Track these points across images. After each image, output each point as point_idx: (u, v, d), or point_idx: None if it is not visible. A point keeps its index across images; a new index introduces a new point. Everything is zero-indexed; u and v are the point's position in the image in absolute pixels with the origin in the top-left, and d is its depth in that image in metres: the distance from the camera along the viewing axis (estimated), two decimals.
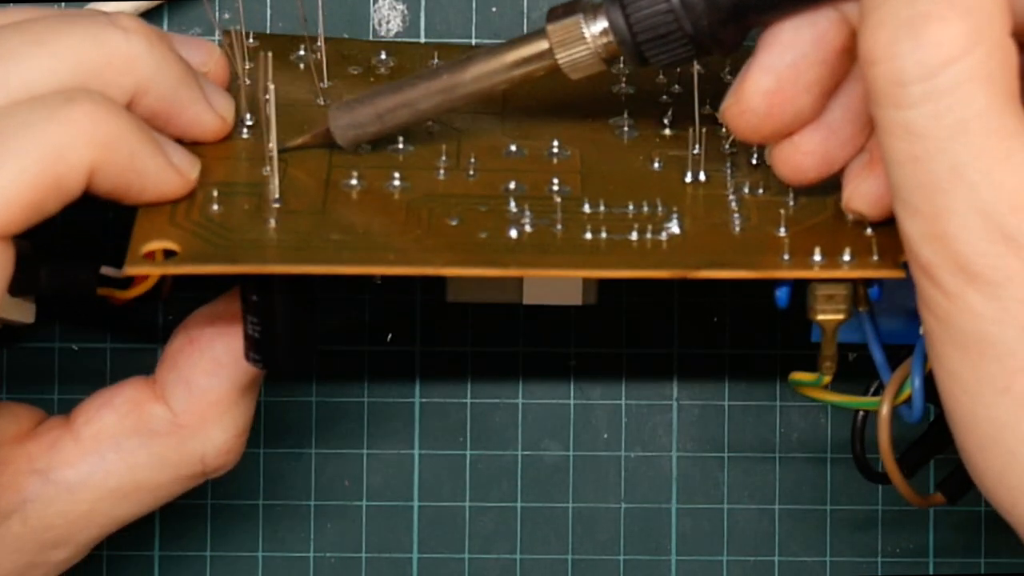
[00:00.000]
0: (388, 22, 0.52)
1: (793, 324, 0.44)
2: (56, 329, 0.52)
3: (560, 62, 0.42)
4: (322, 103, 0.47)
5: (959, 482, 0.47)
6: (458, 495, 0.53)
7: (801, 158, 0.42)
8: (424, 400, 0.52)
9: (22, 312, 0.49)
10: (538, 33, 0.43)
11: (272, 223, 0.42)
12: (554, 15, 0.42)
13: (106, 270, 0.48)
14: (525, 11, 0.51)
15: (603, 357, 0.52)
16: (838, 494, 0.53)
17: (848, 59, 0.41)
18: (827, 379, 0.44)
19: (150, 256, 0.41)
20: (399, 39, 0.51)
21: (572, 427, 0.52)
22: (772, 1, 0.40)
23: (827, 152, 0.42)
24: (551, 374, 0.52)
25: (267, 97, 0.43)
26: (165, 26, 0.51)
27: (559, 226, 0.43)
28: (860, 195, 0.42)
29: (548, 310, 0.50)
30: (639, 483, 0.53)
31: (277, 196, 0.43)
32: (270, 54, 0.45)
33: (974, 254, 0.36)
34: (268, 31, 0.51)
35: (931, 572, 0.53)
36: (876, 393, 0.45)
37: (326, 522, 0.52)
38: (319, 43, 0.48)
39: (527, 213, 0.43)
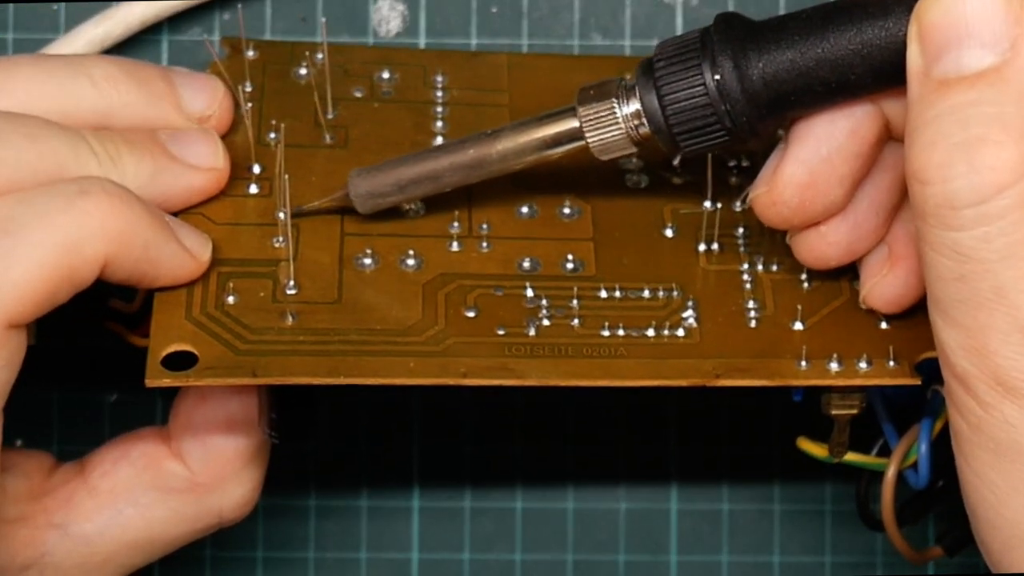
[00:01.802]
0: (388, 22, 0.51)
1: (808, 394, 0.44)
2: (55, 330, 0.52)
3: (590, 143, 0.42)
4: (328, 141, 0.47)
5: (957, 538, 0.47)
6: (458, 495, 0.53)
7: (826, 247, 0.42)
8: (424, 400, 0.52)
9: None
10: (568, 112, 0.42)
11: (289, 319, 0.42)
12: (585, 95, 0.42)
13: (115, 304, 0.48)
14: (525, 11, 0.51)
15: None
16: (838, 494, 0.53)
17: (879, 150, 0.41)
18: (836, 460, 0.44)
19: (169, 360, 0.41)
20: (399, 40, 0.51)
21: (572, 427, 0.52)
22: (811, 97, 0.39)
23: (851, 243, 0.42)
24: None
25: (281, 172, 0.43)
26: (165, 28, 0.51)
27: (576, 320, 0.42)
28: (878, 295, 0.42)
29: None
30: (639, 484, 0.53)
31: (292, 282, 0.43)
32: (283, 127, 0.45)
33: (1013, 370, 0.36)
34: (268, 31, 0.51)
35: (931, 572, 0.53)
36: (881, 452, 0.45)
37: (326, 522, 0.52)
38: (319, 54, 0.47)
39: (543, 302, 0.43)
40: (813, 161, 0.40)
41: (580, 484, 0.53)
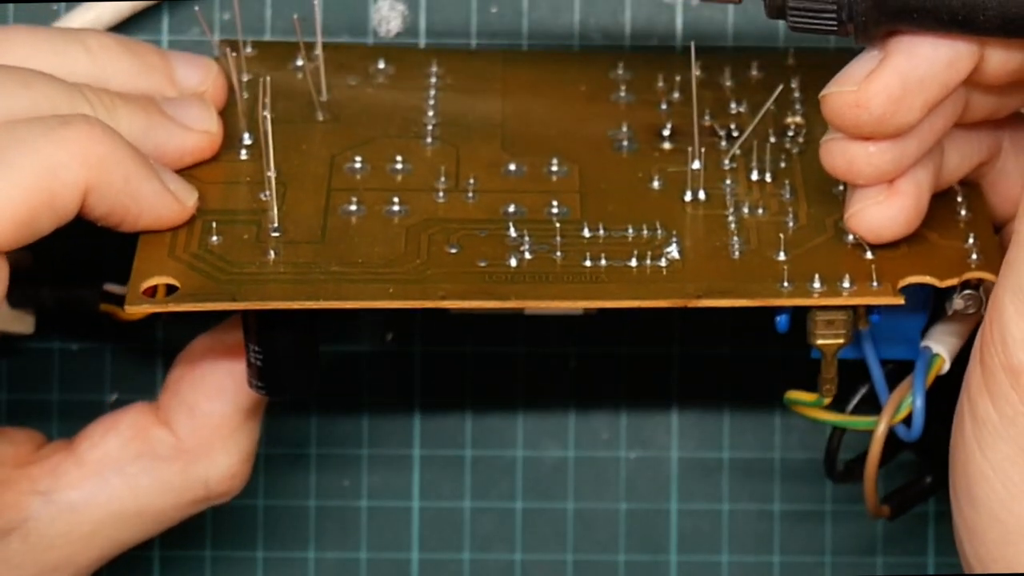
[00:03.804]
0: (388, 22, 0.51)
1: (794, 325, 0.44)
2: (55, 329, 0.52)
3: None
4: (321, 118, 0.47)
5: (902, 503, 0.48)
6: (458, 495, 0.53)
7: (864, 165, 0.41)
8: (424, 400, 0.52)
9: (22, 323, 0.49)
10: None
11: (272, 255, 0.42)
12: None
13: (109, 287, 0.48)
14: (525, 11, 0.51)
15: (603, 357, 0.52)
16: (838, 494, 0.53)
17: (960, 94, 0.41)
18: (827, 400, 0.44)
19: (150, 292, 0.41)
20: (398, 40, 0.51)
21: (572, 427, 0.52)
22: (934, 21, 0.39)
23: (888, 171, 0.41)
24: (551, 375, 0.52)
25: (265, 115, 0.43)
26: (164, 26, 0.51)
27: (559, 253, 0.43)
28: (864, 219, 0.42)
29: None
30: (639, 483, 0.53)
31: (276, 225, 0.43)
32: (268, 79, 0.45)
33: None
34: (268, 31, 0.51)
35: (931, 572, 0.53)
36: (858, 407, 0.45)
37: (326, 522, 0.52)
38: (317, 51, 0.47)
39: (526, 238, 0.43)
40: (910, 77, 0.40)
41: (580, 484, 0.53)
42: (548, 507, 0.53)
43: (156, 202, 0.42)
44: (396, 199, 0.44)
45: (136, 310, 0.41)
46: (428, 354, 0.52)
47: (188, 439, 0.44)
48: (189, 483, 0.44)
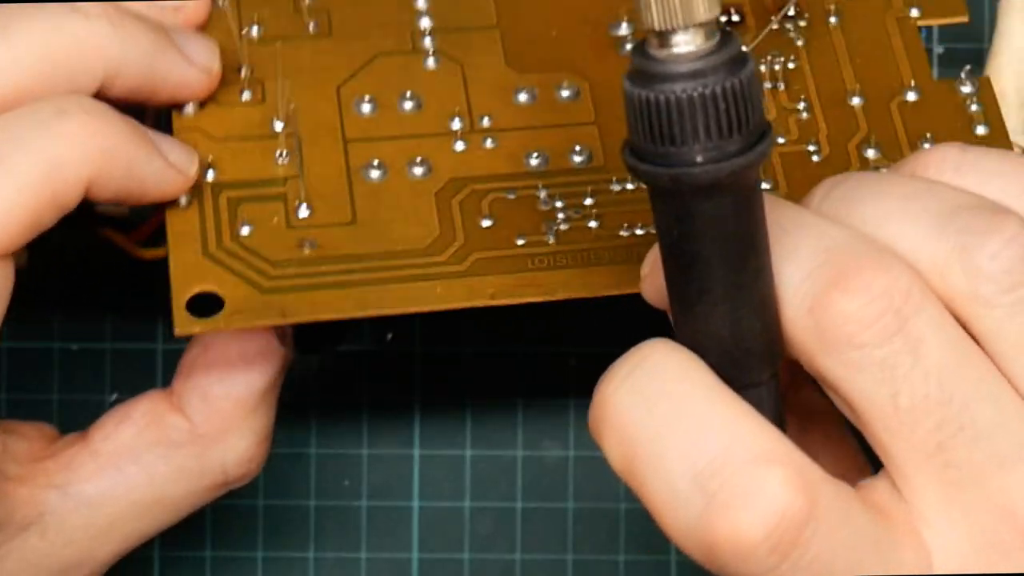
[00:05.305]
0: None
1: None
2: (55, 329, 0.52)
3: None
4: (311, 30, 0.46)
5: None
6: (458, 495, 0.53)
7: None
8: (424, 400, 0.52)
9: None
10: None
11: (307, 248, 0.42)
12: None
13: (103, 208, 0.47)
14: None
15: (603, 357, 0.52)
16: None
17: None
18: None
19: (194, 302, 0.41)
20: None
21: (572, 427, 0.52)
22: None
23: None
24: (551, 374, 0.52)
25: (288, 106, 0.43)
26: None
27: (593, 222, 0.42)
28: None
29: (548, 308, 0.50)
30: None
31: (303, 202, 0.43)
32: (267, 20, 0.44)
33: None
34: None
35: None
36: None
37: (326, 522, 0.52)
38: None
39: (558, 203, 0.43)
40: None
41: (580, 484, 0.53)
42: (548, 507, 0.53)
43: (159, 179, 0.42)
44: (418, 158, 0.44)
45: (186, 331, 0.41)
46: (428, 354, 0.52)
47: (203, 424, 0.44)
48: (206, 468, 0.44)
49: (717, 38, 0.32)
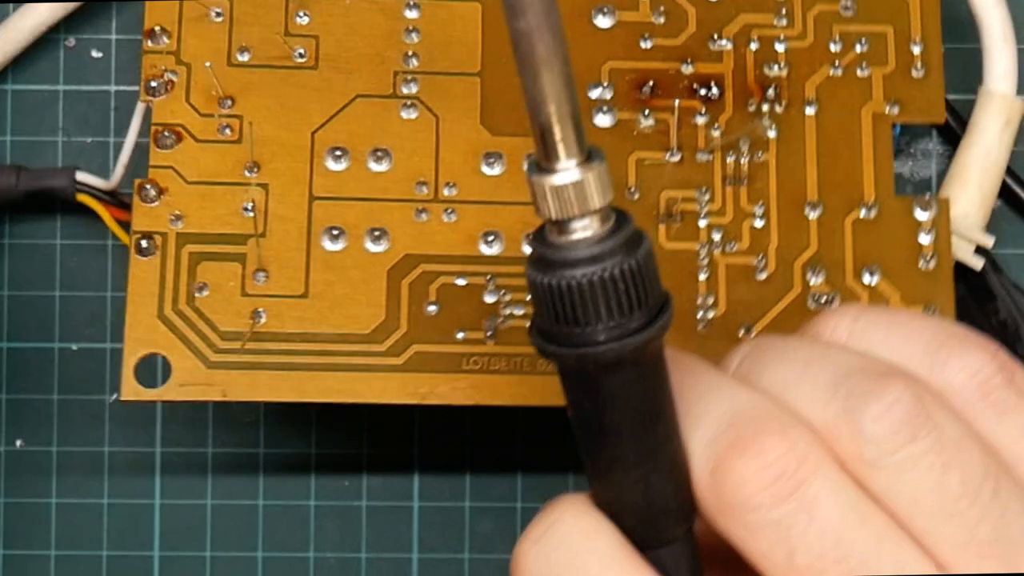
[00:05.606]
0: None
1: None
2: (55, 329, 0.52)
3: None
4: (299, 59, 0.46)
5: None
6: (458, 495, 0.53)
7: None
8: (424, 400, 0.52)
9: None
10: None
11: (260, 319, 0.44)
12: None
13: (82, 176, 0.48)
14: None
15: None
16: None
17: None
18: None
19: (143, 361, 0.44)
20: None
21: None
22: None
23: None
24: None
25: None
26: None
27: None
28: None
29: None
30: None
31: (261, 275, 0.44)
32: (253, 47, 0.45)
33: None
34: None
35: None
36: None
37: (326, 522, 0.52)
38: None
39: (505, 297, 0.44)
40: None
41: (580, 484, 0.53)
42: None
43: None
44: (377, 232, 0.45)
45: (131, 398, 0.44)
46: None
47: None
48: None
49: (612, 220, 0.32)
